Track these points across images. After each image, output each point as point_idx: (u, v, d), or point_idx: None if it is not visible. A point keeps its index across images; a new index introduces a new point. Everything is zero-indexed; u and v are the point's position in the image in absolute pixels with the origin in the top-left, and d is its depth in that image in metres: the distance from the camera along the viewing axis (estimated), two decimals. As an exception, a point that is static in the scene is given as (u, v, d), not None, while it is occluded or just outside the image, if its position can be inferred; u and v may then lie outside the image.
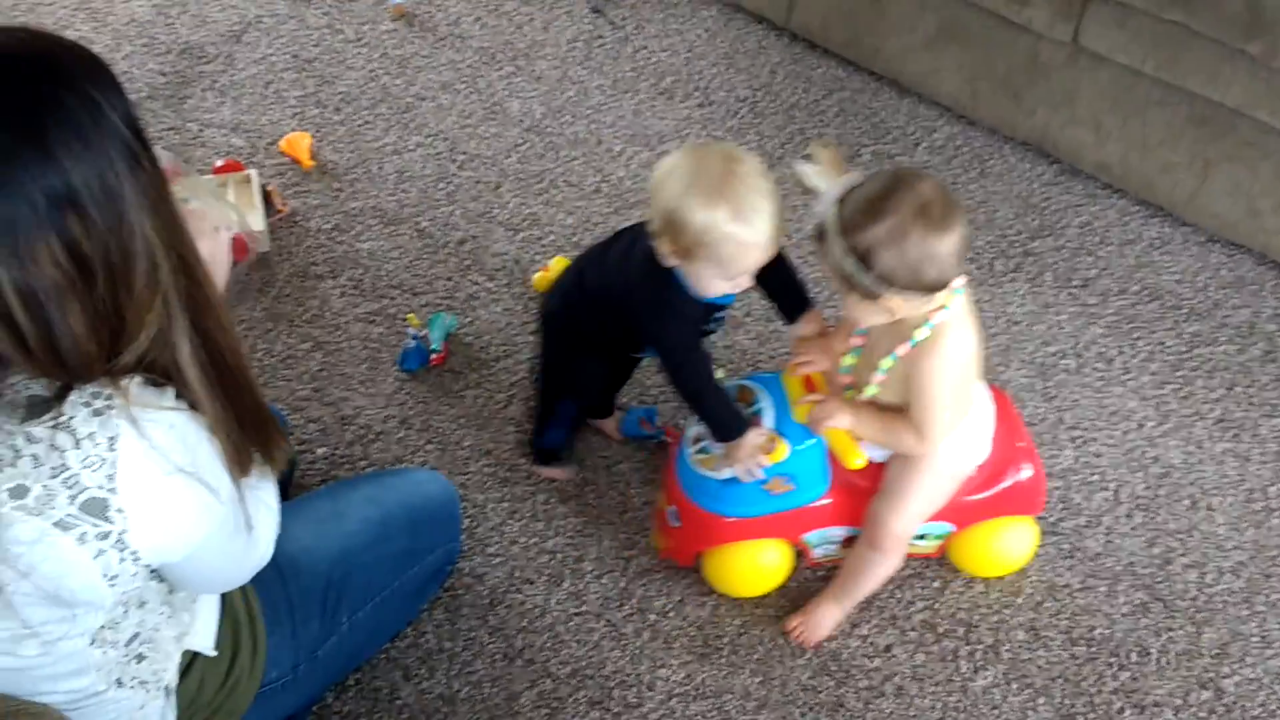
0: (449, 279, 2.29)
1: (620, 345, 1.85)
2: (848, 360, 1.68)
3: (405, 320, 2.17)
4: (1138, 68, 2.32)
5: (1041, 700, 1.75)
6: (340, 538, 1.59)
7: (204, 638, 1.36)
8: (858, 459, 1.63)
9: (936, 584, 1.87)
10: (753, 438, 1.67)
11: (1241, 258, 2.39)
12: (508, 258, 2.34)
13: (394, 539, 1.63)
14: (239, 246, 2.14)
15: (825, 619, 1.79)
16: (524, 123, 2.63)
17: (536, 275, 2.26)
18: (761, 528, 1.76)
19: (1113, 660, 1.79)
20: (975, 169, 2.58)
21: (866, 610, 1.84)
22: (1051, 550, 1.91)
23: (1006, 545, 1.84)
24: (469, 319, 2.22)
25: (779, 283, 1.73)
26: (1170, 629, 1.83)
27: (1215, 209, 2.37)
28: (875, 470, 1.69)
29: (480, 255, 2.34)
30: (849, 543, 1.80)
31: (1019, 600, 1.85)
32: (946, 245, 1.44)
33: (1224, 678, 1.78)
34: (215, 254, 1.28)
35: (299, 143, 2.49)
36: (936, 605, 1.85)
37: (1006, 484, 1.76)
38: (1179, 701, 1.75)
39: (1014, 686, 1.76)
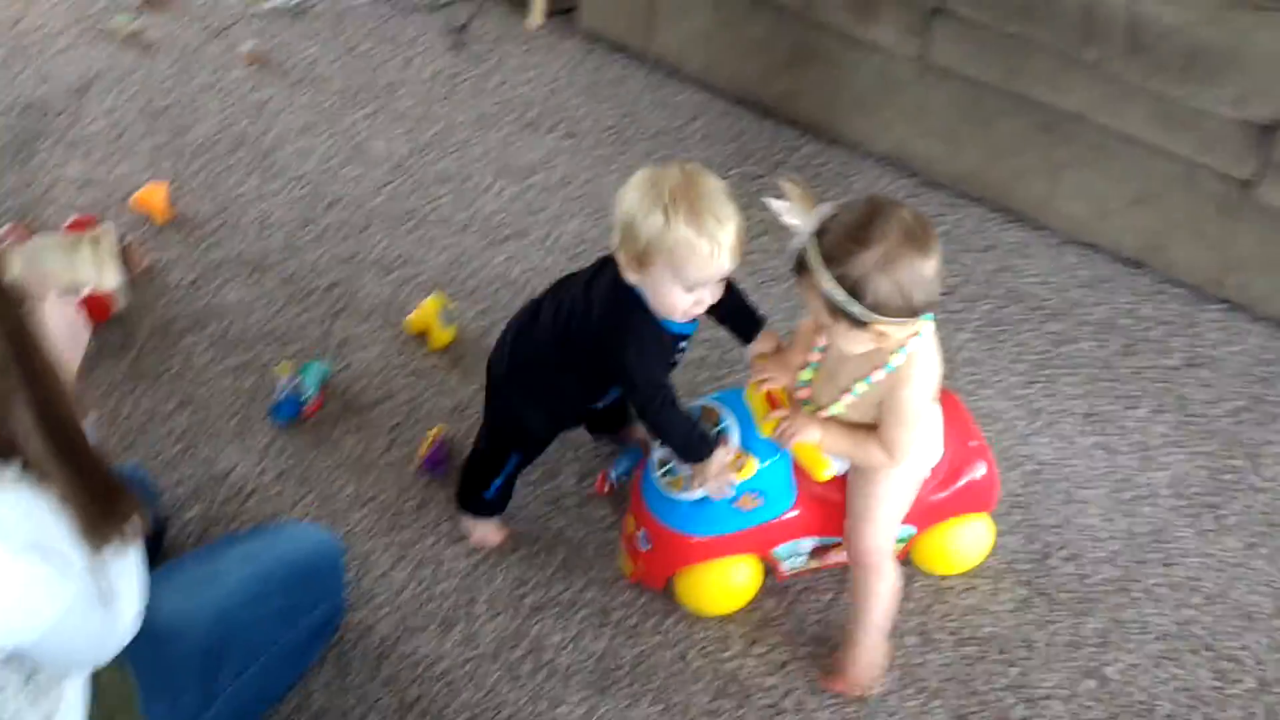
0: (320, 325, 2.24)
1: (579, 396, 1.81)
2: (805, 375, 1.70)
3: (275, 370, 2.11)
4: (984, 79, 2.40)
5: (935, 703, 1.78)
6: (216, 600, 1.53)
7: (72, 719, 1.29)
8: (826, 470, 1.67)
9: (828, 596, 1.89)
10: (721, 456, 1.68)
11: (1095, 257, 2.48)
12: (380, 299, 2.30)
13: (274, 597, 1.58)
14: (100, 306, 2.07)
15: (861, 659, 1.76)
16: (389, 162, 2.60)
17: (409, 316, 2.23)
18: (733, 544, 1.77)
19: (1001, 657, 1.83)
20: (839, 186, 2.63)
21: (763, 627, 1.85)
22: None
23: (966, 542, 1.89)
24: (343, 364, 2.17)
25: (730, 307, 1.74)
26: (1053, 622, 1.88)
27: (1068, 211, 2.47)
28: (839, 479, 1.72)
29: (351, 299, 2.29)
30: (816, 553, 1.84)
31: (909, 605, 1.88)
32: (931, 268, 1.46)
33: (1107, 665, 1.83)
34: (59, 319, 1.23)
35: (154, 195, 2.41)
36: (827, 618, 1.87)
37: (962, 483, 1.80)
38: (1066, 692, 1.80)
39: (909, 691, 1.79)
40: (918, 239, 1.45)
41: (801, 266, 1.48)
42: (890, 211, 1.45)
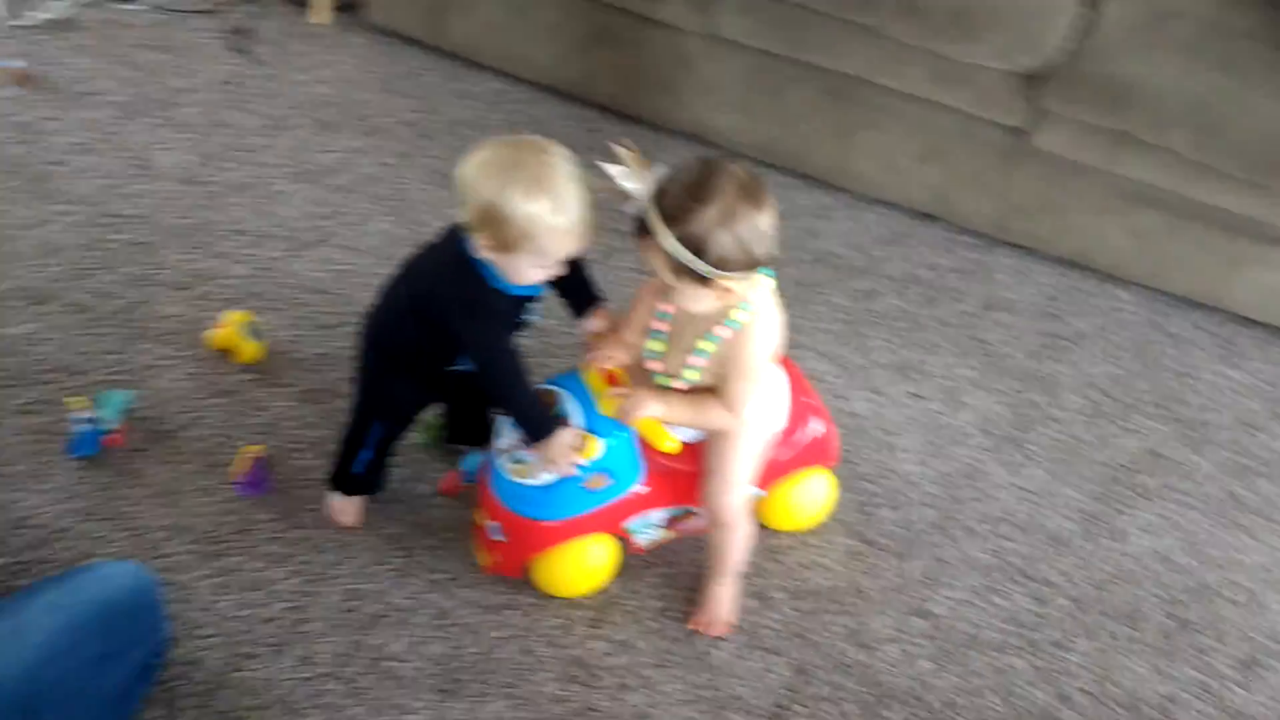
0: (116, 352, 2.13)
1: (433, 357, 1.75)
2: (655, 346, 1.71)
3: (67, 403, 1.99)
4: (770, 50, 2.46)
5: (777, 659, 1.82)
6: (23, 656, 1.43)
7: None
8: (668, 443, 1.68)
9: (667, 569, 1.91)
10: (564, 437, 1.68)
11: (891, 214, 2.58)
12: (179, 319, 2.20)
13: (87, 644, 1.49)
14: None
15: (720, 602, 1.84)
16: (177, 175, 2.49)
17: (211, 333, 2.14)
18: (585, 525, 1.77)
19: (835, 608, 1.89)
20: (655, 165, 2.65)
21: (605, 609, 1.86)
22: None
23: (810, 497, 1.95)
24: (145, 390, 2.07)
25: (573, 280, 1.71)
26: (880, 567, 1.95)
27: (861, 172, 2.55)
28: (687, 451, 1.74)
29: (147, 321, 2.19)
30: (671, 524, 1.86)
31: (744, 571, 1.92)
32: (767, 221, 1.49)
33: (934, 603, 1.91)
34: None
35: (-83, 230, 2.24)
36: (668, 591, 1.89)
37: (804, 441, 1.86)
38: (898, 632, 1.87)
39: (752, 653, 1.83)
40: (753, 194, 1.48)
41: (642, 229, 1.50)
42: (724, 169, 1.49)
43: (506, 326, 1.67)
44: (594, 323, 1.78)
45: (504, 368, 1.65)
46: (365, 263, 2.36)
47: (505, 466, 1.75)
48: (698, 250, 1.46)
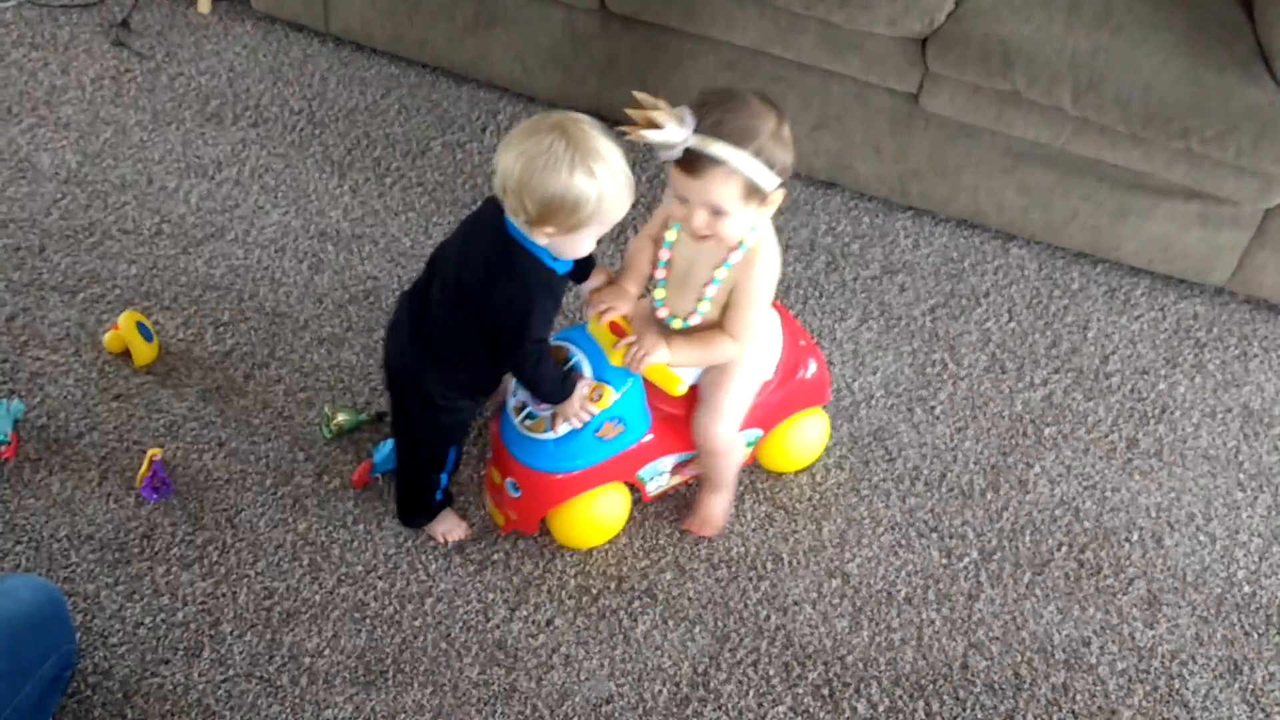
0: (3, 361, 2.06)
1: (492, 357, 1.72)
2: (659, 294, 1.78)
3: (-41, 417, 1.93)
4: (664, 24, 2.45)
5: (698, 629, 1.84)
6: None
7: None
8: (680, 385, 1.75)
9: (584, 554, 1.92)
10: (581, 389, 1.74)
11: (792, 183, 2.57)
12: (70, 324, 2.13)
13: (-9, 661, 1.46)
14: None
15: (714, 511, 1.93)
16: (59, 175, 2.41)
17: (107, 335, 2.08)
18: (601, 474, 1.82)
19: (752, 574, 1.91)
20: (543, 143, 2.63)
21: (524, 590, 1.86)
22: (682, 489, 2.00)
23: (808, 435, 2.02)
24: (37, 399, 2.01)
25: None
26: (795, 531, 1.98)
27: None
28: (687, 397, 1.81)
29: (36, 328, 2.12)
30: (676, 469, 1.92)
31: (660, 541, 1.94)
32: (789, 129, 1.61)
33: (848, 563, 1.94)
34: None
35: None
36: (587, 568, 1.89)
37: (799, 380, 1.93)
38: (815, 594, 1.90)
39: (671, 624, 1.84)
40: (777, 106, 1.60)
41: (701, 165, 1.55)
42: (746, 93, 1.60)
43: (557, 306, 1.70)
44: (593, 280, 1.82)
45: (540, 355, 1.69)
46: (261, 256, 2.32)
47: (519, 424, 1.80)
48: (769, 164, 1.57)
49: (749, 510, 2.00)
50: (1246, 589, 1.95)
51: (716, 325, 1.75)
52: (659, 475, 1.91)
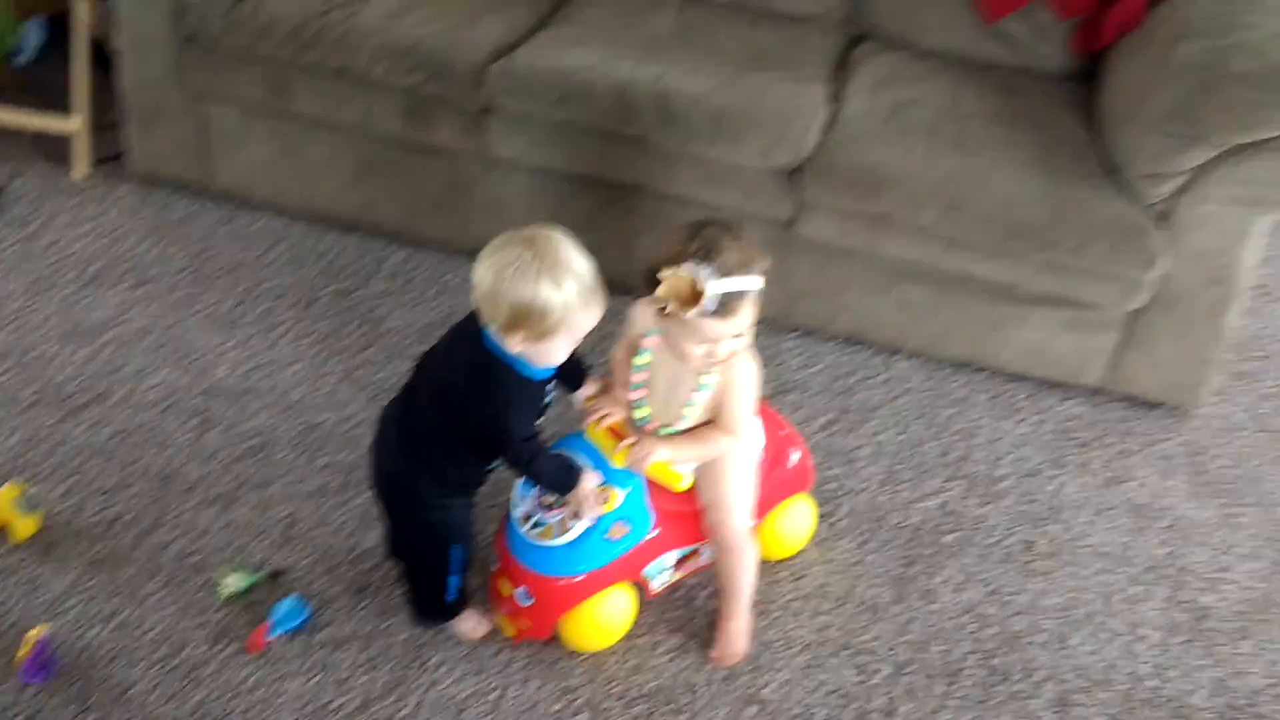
0: None
1: (478, 455, 1.79)
2: (640, 413, 1.85)
3: None
4: (547, 166, 2.52)
5: (616, 771, 1.79)
6: None
7: None
8: (683, 481, 1.83)
9: (495, 691, 1.87)
10: (590, 481, 1.80)
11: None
12: (-57, 502, 2.04)
13: None
14: None
15: (736, 636, 1.95)
16: (-69, 348, 2.34)
17: (-17, 512, 2.00)
18: (611, 574, 1.86)
19: (668, 707, 1.88)
20: (435, 286, 2.66)
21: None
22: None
23: (798, 520, 2.10)
24: (-93, 585, 1.91)
25: (568, 360, 1.78)
26: (705, 660, 1.96)
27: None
28: (683, 493, 1.87)
29: (-94, 508, 2.02)
30: (679, 564, 1.97)
31: (573, 682, 1.90)
32: None
33: (763, 688, 1.93)
34: None
35: None
36: (498, 712, 1.84)
37: (784, 468, 2.01)
38: (733, 724, 1.88)
39: (589, 768, 1.80)
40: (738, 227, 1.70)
41: (733, 305, 1.65)
42: (712, 220, 1.70)
43: (539, 411, 1.74)
44: (587, 389, 1.90)
45: (536, 450, 1.74)
46: (146, 417, 2.26)
47: (527, 533, 1.83)
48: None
49: (661, 642, 1.97)
50: (1151, 683, 1.98)
51: (707, 422, 1.83)
52: (663, 571, 1.96)
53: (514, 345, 1.63)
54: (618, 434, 1.85)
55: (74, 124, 2.81)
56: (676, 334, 1.71)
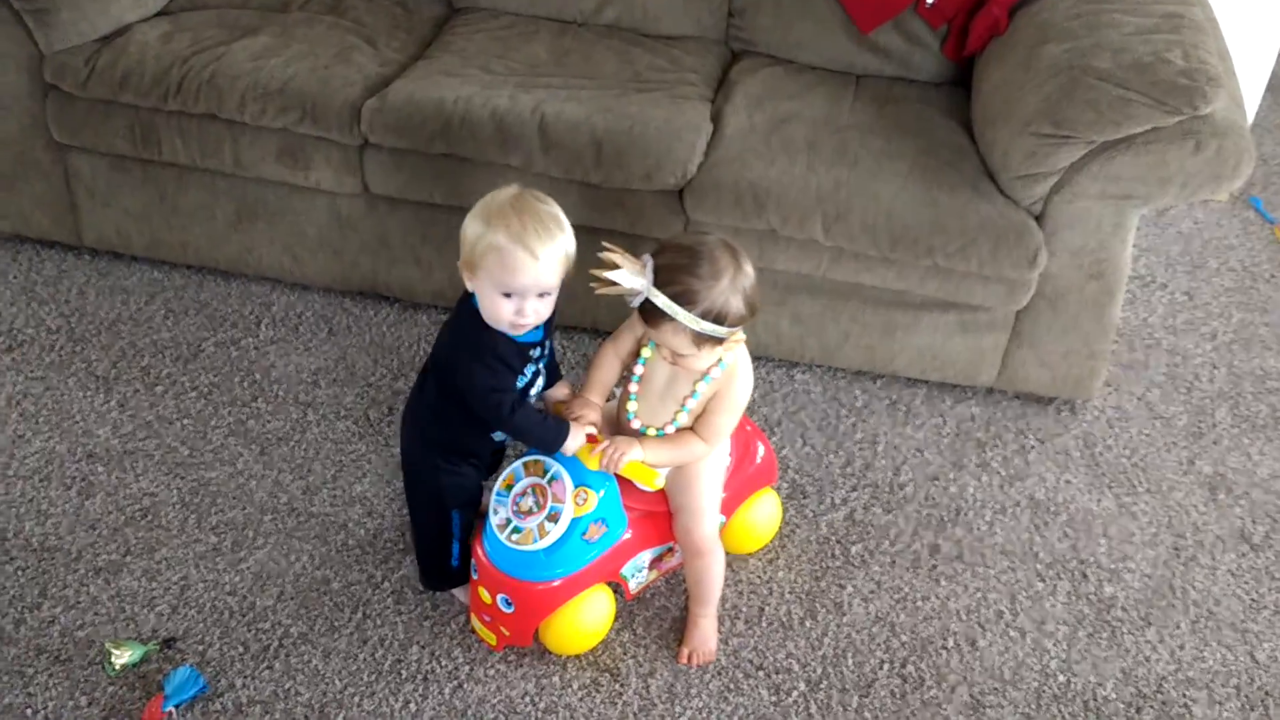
0: None
1: (478, 432, 1.91)
2: (632, 406, 1.90)
3: None
4: (429, 200, 2.47)
5: (534, 818, 1.75)
6: None
7: None
8: (657, 479, 1.87)
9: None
10: (577, 436, 1.84)
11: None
12: None
13: None
14: None
15: (705, 634, 1.99)
16: None
17: None
18: (590, 575, 1.89)
19: (583, 747, 1.85)
20: (323, 329, 2.59)
21: None
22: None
23: (765, 513, 2.15)
24: None
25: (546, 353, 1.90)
26: (622, 693, 1.93)
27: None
28: (653, 494, 1.91)
29: None
30: (653, 564, 2.01)
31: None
32: (752, 268, 1.74)
33: (679, 717, 1.90)
34: None
35: None
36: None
37: (751, 464, 2.07)
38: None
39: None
40: (739, 254, 1.73)
41: (655, 315, 1.69)
42: (709, 242, 1.72)
43: (510, 370, 1.80)
44: (558, 392, 1.97)
45: (512, 406, 1.78)
46: (24, 488, 2.17)
47: (506, 539, 1.85)
48: (719, 319, 1.69)
49: (573, 679, 1.94)
50: (1061, 678, 2.00)
51: (686, 428, 1.87)
52: (639, 571, 1.99)
53: (463, 274, 1.75)
54: (592, 439, 1.87)
55: (-68, 184, 2.69)
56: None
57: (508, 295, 1.71)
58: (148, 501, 2.17)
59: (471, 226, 1.72)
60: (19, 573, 2.03)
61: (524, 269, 1.69)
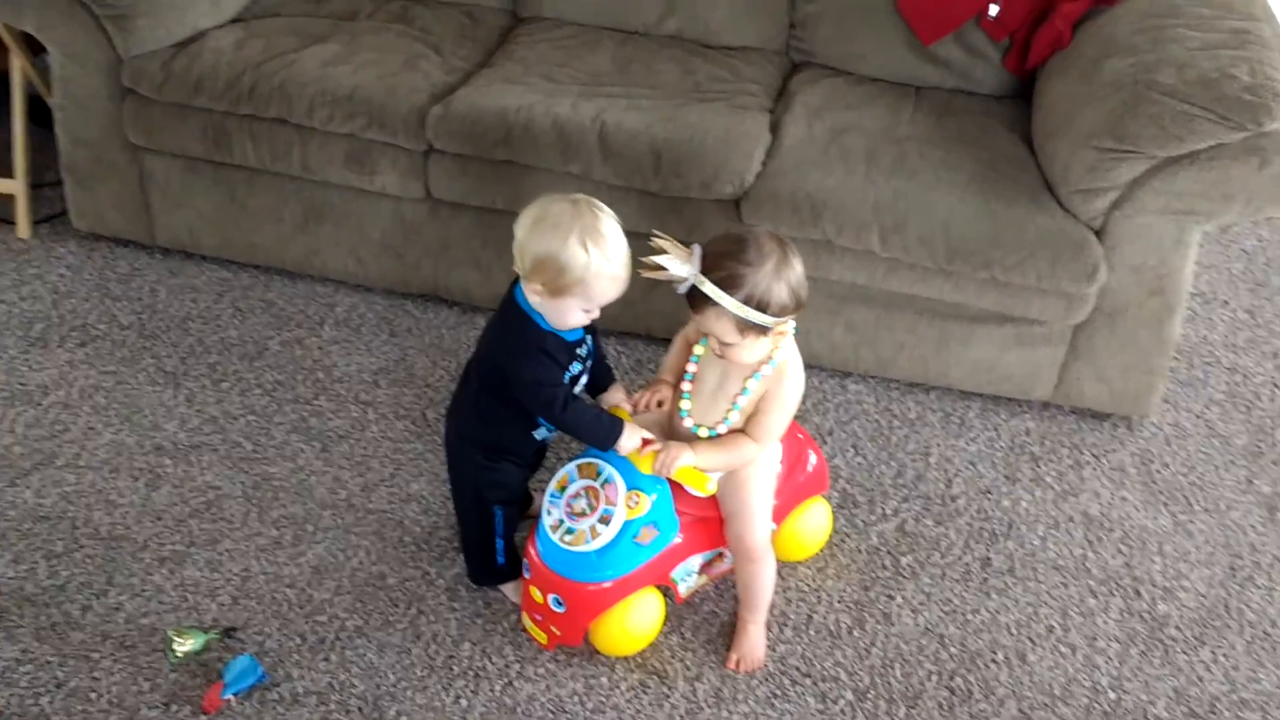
0: None
1: (521, 427, 1.92)
2: (685, 404, 1.91)
3: None
4: (490, 206, 2.52)
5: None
6: None
7: None
8: (709, 484, 1.88)
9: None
10: (632, 435, 1.85)
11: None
12: (-115, 576, 2.00)
13: None
14: None
15: (754, 641, 2.00)
16: None
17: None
18: (641, 578, 1.90)
19: (630, 748, 1.87)
20: (384, 331, 2.65)
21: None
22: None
23: (816, 522, 2.15)
24: None
25: (595, 358, 1.94)
26: (669, 696, 1.95)
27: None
28: (704, 500, 1.92)
29: None
30: (703, 569, 2.02)
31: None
32: (801, 265, 1.75)
33: (725, 721, 1.92)
34: None
35: None
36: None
37: (803, 471, 2.08)
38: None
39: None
40: (787, 246, 1.74)
41: (700, 301, 1.71)
42: (755, 232, 1.75)
43: (558, 365, 1.82)
44: (612, 395, 1.98)
45: (565, 400, 1.81)
46: (94, 479, 2.24)
47: (559, 540, 1.87)
48: (762, 306, 1.70)
49: (620, 680, 1.96)
50: (1112, 695, 1.99)
51: (737, 430, 1.88)
52: (689, 575, 2.01)
53: (533, 295, 1.75)
54: (644, 440, 1.89)
55: (13, 185, 2.78)
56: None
57: (588, 309, 1.78)
58: (212, 494, 2.23)
59: (573, 254, 1.69)
60: (87, 560, 2.09)
61: (618, 288, 1.76)
